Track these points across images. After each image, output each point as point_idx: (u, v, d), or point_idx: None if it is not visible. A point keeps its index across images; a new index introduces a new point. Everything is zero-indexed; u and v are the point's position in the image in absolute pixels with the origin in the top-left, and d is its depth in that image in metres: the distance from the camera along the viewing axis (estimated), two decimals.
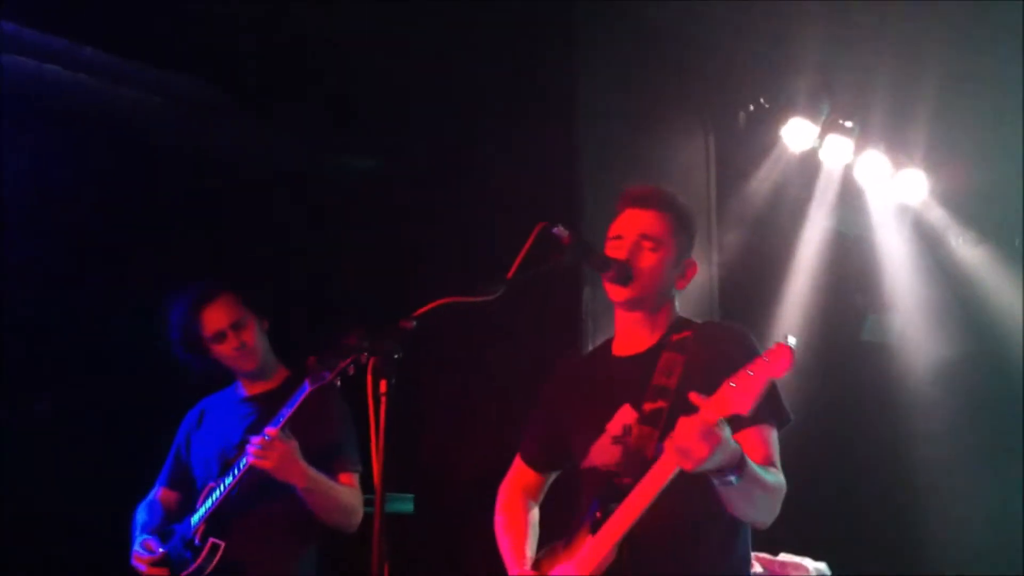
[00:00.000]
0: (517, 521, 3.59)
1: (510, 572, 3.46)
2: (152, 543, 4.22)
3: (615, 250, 3.35)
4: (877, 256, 7.18)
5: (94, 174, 5.51)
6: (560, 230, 3.21)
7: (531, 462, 3.65)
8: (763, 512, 3.18)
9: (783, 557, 5.16)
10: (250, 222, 5.84)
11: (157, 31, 5.18)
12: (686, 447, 2.87)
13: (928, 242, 7.21)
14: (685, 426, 2.88)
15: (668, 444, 2.93)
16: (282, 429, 3.96)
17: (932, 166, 6.89)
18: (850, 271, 7.15)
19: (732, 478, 2.96)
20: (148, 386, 5.33)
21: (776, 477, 3.15)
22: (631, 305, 3.38)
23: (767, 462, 3.15)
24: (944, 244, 7.29)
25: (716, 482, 2.99)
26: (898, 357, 7.26)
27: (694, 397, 2.90)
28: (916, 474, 6.76)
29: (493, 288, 3.04)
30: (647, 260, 3.35)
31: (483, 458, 5.44)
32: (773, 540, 3.79)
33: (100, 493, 5.14)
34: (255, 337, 4.36)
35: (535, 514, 3.63)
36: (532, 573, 3.34)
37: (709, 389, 3.05)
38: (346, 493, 4.20)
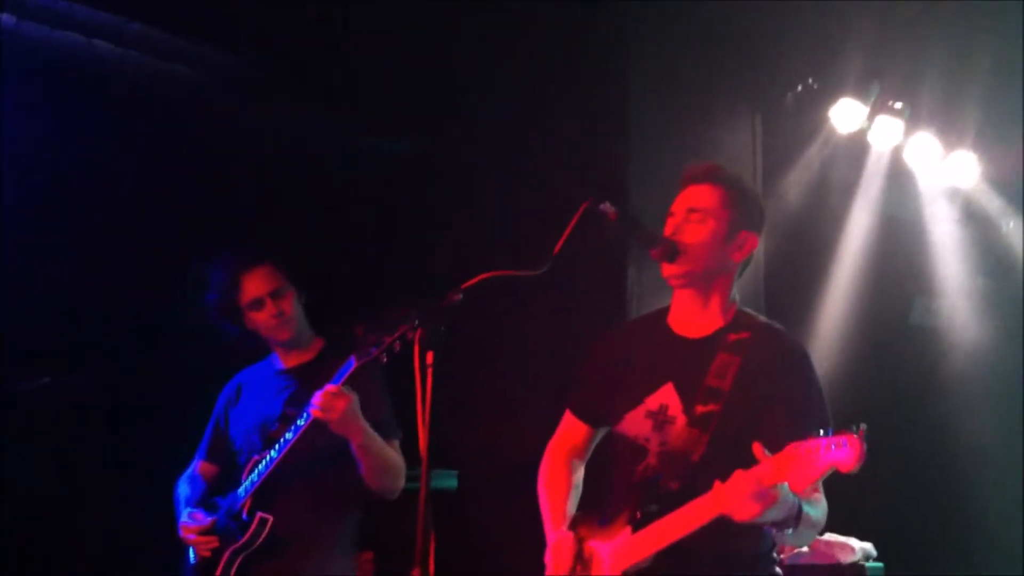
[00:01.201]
0: (560, 478, 3.57)
1: (547, 531, 3.45)
2: (199, 514, 4.26)
3: (667, 226, 3.34)
4: (926, 240, 7.10)
5: (132, 146, 5.55)
6: (607, 206, 3.20)
7: (582, 414, 3.61)
8: (807, 540, 3.20)
9: (828, 537, 5.15)
10: (292, 198, 5.87)
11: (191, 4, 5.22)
12: (739, 504, 2.87)
13: (978, 226, 7.12)
14: (740, 482, 2.87)
15: (718, 492, 2.92)
16: (343, 385, 3.98)
17: (983, 149, 6.81)
18: (898, 255, 7.08)
19: (788, 531, 2.96)
20: (187, 360, 5.39)
21: (823, 508, 3.13)
22: (682, 282, 3.36)
23: (816, 492, 3.11)
24: (994, 229, 7.19)
25: (769, 530, 3.00)
26: (944, 341, 7.19)
27: (758, 449, 2.87)
28: (962, 457, 6.71)
29: (539, 263, 3.03)
30: (694, 234, 3.32)
31: (526, 436, 5.45)
32: None
33: (138, 467, 5.22)
34: (292, 307, 4.37)
35: (580, 474, 3.60)
36: (569, 536, 3.33)
37: (761, 403, 3.06)
38: (394, 455, 4.24)
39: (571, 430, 3.64)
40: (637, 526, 3.16)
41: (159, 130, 5.58)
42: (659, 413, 3.30)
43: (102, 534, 5.27)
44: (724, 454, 3.01)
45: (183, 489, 4.47)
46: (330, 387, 3.97)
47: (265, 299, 4.32)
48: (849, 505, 3.24)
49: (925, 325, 7.50)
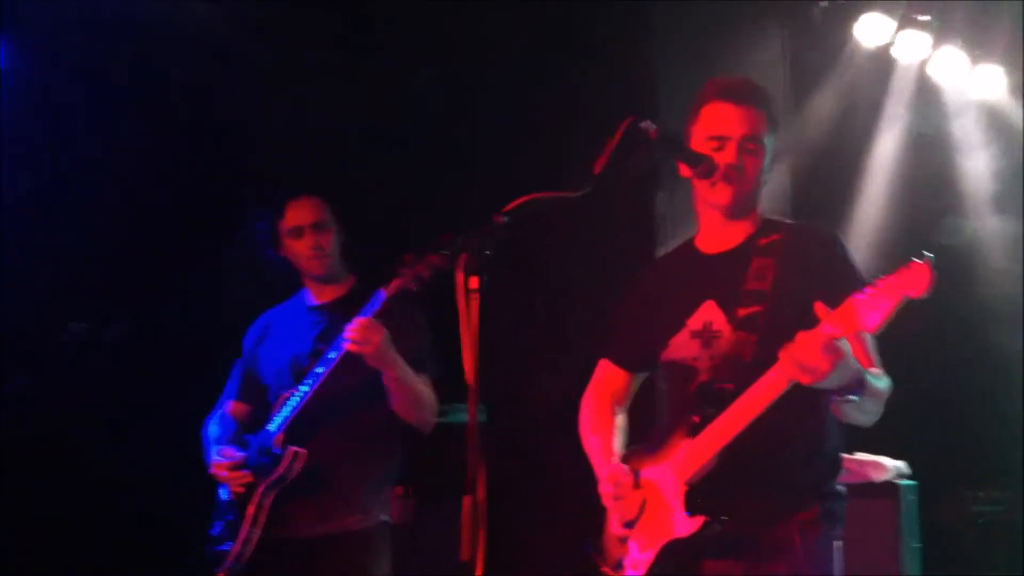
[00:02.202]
0: (604, 422, 3.54)
1: (597, 470, 3.42)
2: (229, 450, 4.24)
3: (719, 153, 3.24)
4: (954, 156, 6.98)
5: (162, 93, 5.50)
6: (647, 124, 3.11)
7: (620, 360, 3.59)
8: (872, 417, 3.13)
9: (860, 456, 5.12)
10: (329, 141, 5.79)
11: None
12: (806, 362, 2.82)
13: (1006, 140, 6.99)
14: (806, 340, 2.82)
15: (785, 356, 2.87)
16: (374, 317, 3.95)
17: (1012, 61, 6.67)
18: (926, 171, 6.96)
19: (854, 396, 2.91)
20: (215, 310, 5.36)
21: (886, 382, 3.11)
22: (732, 210, 3.31)
23: (873, 365, 3.09)
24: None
25: (836, 398, 2.94)
26: (975, 257, 7.09)
27: (819, 308, 2.82)
28: (995, 375, 6.65)
29: (581, 184, 2.96)
30: (752, 164, 3.27)
31: (555, 368, 5.44)
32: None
33: (170, 415, 5.19)
34: (331, 243, 4.37)
35: (622, 419, 3.58)
36: (623, 467, 3.30)
37: (805, 294, 2.99)
38: (427, 389, 4.23)
39: (609, 378, 3.61)
40: (696, 431, 3.12)
41: (181, 71, 5.51)
42: (704, 331, 3.27)
43: (141, 481, 5.27)
44: (776, 351, 2.95)
45: (212, 430, 4.45)
46: (361, 319, 3.93)
47: (306, 229, 4.33)
48: (882, 424, 3.19)
49: (952, 243, 7.39)
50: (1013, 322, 6.69)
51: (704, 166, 3.23)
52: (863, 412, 3.07)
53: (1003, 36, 6.50)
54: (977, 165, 6.92)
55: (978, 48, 6.60)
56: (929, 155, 6.89)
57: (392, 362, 4.04)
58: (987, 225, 7.01)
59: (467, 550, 2.59)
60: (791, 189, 6.02)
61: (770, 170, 3.37)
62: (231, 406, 4.53)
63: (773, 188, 4.19)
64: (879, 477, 5.22)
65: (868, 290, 2.78)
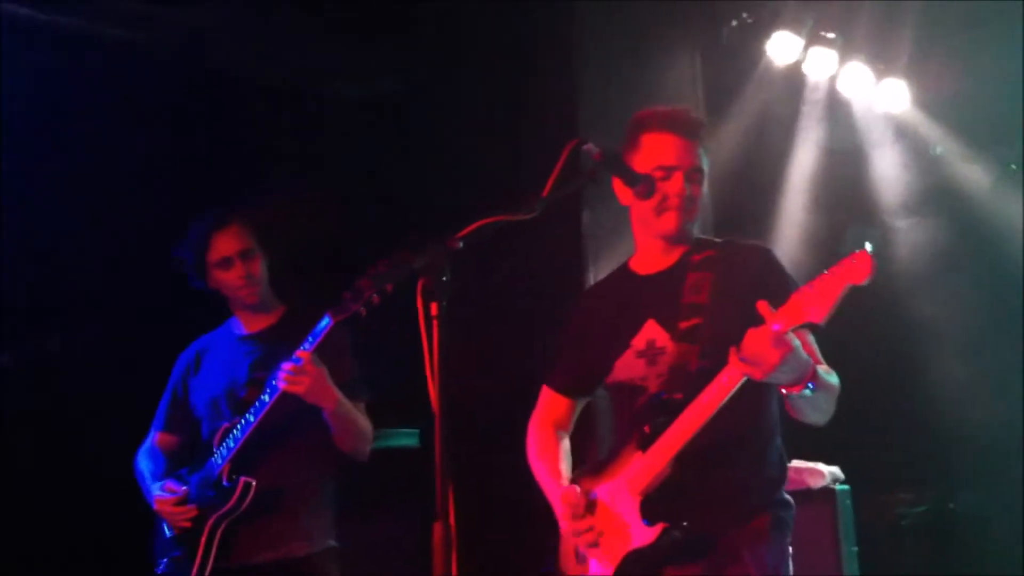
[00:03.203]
0: (550, 445, 3.62)
1: (548, 494, 3.48)
2: (172, 484, 4.20)
3: (666, 183, 3.34)
4: (864, 169, 7.17)
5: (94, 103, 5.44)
6: (591, 146, 3.18)
7: (562, 388, 3.67)
8: (825, 414, 3.22)
9: (797, 463, 5.22)
10: (261, 155, 5.78)
11: None
12: (756, 356, 2.90)
13: (913, 151, 7.20)
14: (754, 336, 2.91)
15: (735, 354, 2.94)
16: (312, 353, 3.94)
17: (915, 74, 6.88)
18: (838, 185, 7.14)
19: (807, 390, 2.99)
20: (157, 325, 5.30)
21: (836, 378, 3.19)
22: (677, 237, 3.42)
23: (821, 362, 3.18)
24: (927, 151, 7.27)
25: (790, 394, 3.01)
26: (889, 263, 7.26)
27: (762, 306, 2.91)
28: (916, 376, 6.83)
29: (531, 207, 3.00)
30: (697, 192, 3.40)
31: (487, 387, 5.46)
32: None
33: (108, 430, 5.13)
34: (260, 270, 4.35)
35: (566, 444, 3.65)
36: (575, 489, 3.35)
37: (741, 303, 3.09)
38: (363, 419, 4.25)
39: (552, 405, 3.69)
40: (647, 443, 3.19)
41: (124, 79, 5.46)
42: (648, 350, 3.36)
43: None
44: (720, 359, 3.04)
45: (144, 464, 4.41)
46: (302, 353, 3.94)
47: (234, 259, 4.29)
48: (815, 430, 3.29)
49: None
50: (927, 326, 6.89)
51: (644, 186, 3.30)
52: (817, 409, 3.17)
53: (904, 51, 6.71)
54: (888, 176, 7.12)
55: (881, 63, 6.80)
56: (842, 167, 7.06)
57: (331, 398, 4.05)
58: (898, 232, 7.21)
59: (440, 574, 2.60)
60: (711, 205, 6.12)
61: None
62: (159, 437, 4.50)
63: None
64: (817, 484, 5.32)
65: (811, 284, 2.88)
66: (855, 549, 5.33)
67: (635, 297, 3.45)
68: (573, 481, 3.44)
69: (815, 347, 3.23)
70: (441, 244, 2.79)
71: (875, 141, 7.10)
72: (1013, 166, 7.06)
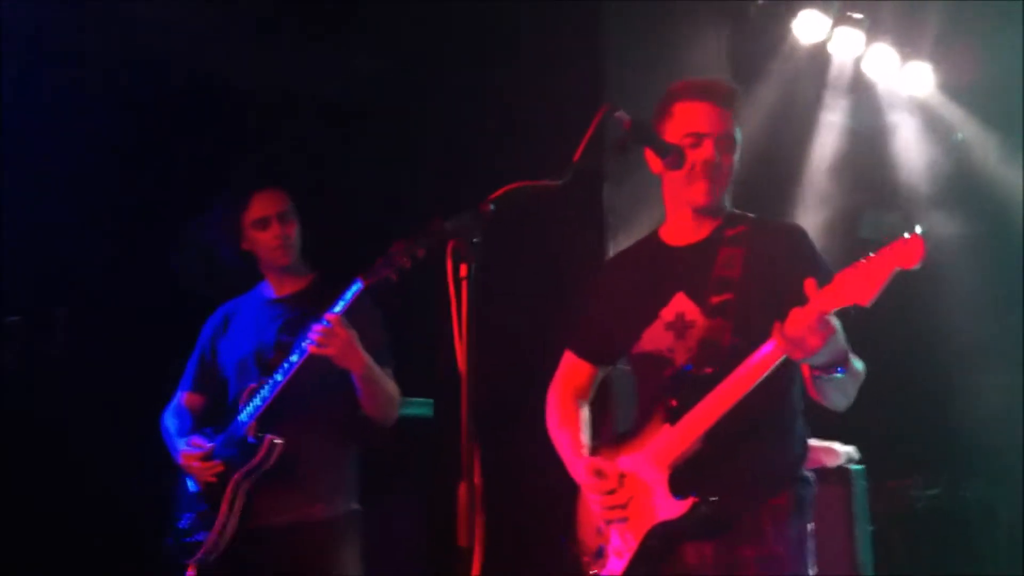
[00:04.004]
0: (571, 415, 3.60)
1: (569, 464, 3.48)
2: (199, 440, 4.23)
3: (696, 150, 3.32)
4: (886, 151, 7.14)
5: (106, 91, 5.42)
6: (622, 114, 3.17)
7: (586, 354, 3.65)
8: (848, 399, 3.22)
9: (813, 442, 5.20)
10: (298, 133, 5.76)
11: None
12: (800, 337, 2.89)
13: (936, 135, 7.17)
14: (800, 316, 2.89)
15: (777, 334, 2.93)
16: (342, 316, 3.96)
17: (939, 58, 6.85)
18: (859, 168, 7.11)
19: (839, 373, 2.99)
20: (163, 300, 5.31)
21: (861, 364, 3.18)
22: (708, 206, 3.38)
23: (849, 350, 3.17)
24: (950, 136, 7.24)
25: (821, 375, 3.02)
26: None
27: (810, 285, 2.89)
28: (937, 361, 6.83)
29: (560, 173, 2.99)
30: (728, 161, 3.37)
31: (503, 361, 5.45)
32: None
33: (116, 407, 5.15)
34: (295, 233, 4.39)
35: (587, 412, 3.63)
36: (598, 460, 3.35)
37: (773, 282, 3.12)
38: (392, 384, 4.27)
39: (573, 370, 3.66)
40: (676, 416, 3.18)
41: (132, 67, 5.45)
42: (677, 322, 3.33)
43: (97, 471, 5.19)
44: (752, 336, 3.05)
45: (171, 422, 4.45)
46: (331, 317, 3.96)
47: (272, 219, 4.34)
48: (831, 411, 3.28)
49: (874, 238, 7.54)
50: (949, 313, 6.88)
51: (674, 156, 3.28)
52: (843, 393, 3.17)
53: (930, 33, 6.68)
54: (910, 159, 7.09)
55: (907, 45, 6.77)
56: (863, 150, 7.04)
57: (359, 362, 4.06)
58: (917, 218, 7.18)
59: (464, 535, 2.60)
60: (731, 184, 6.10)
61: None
62: (186, 397, 4.52)
63: None
64: (832, 462, 5.33)
65: (857, 265, 2.85)
66: (870, 528, 5.34)
67: (665, 268, 3.42)
68: (594, 452, 3.44)
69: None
70: (473, 208, 2.78)
71: (898, 124, 7.06)
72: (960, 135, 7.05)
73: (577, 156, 3.03)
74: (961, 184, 7.12)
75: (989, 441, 6.64)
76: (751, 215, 3.47)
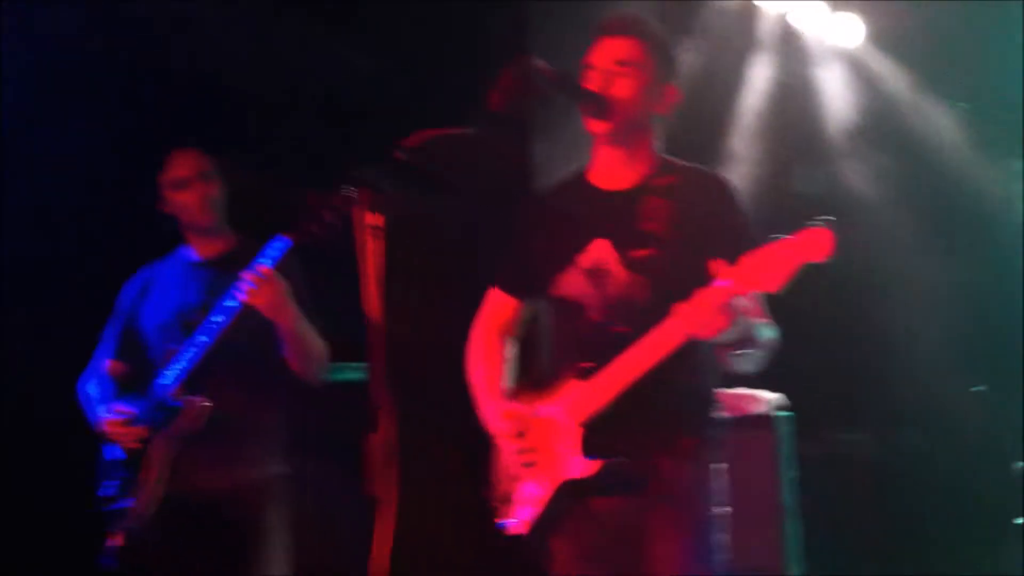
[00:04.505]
0: (492, 354, 3.52)
1: (483, 405, 3.43)
2: (122, 406, 4.17)
3: (588, 81, 3.27)
4: (815, 104, 7.15)
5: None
6: (536, 60, 3.14)
7: (509, 287, 3.54)
8: (757, 366, 3.23)
9: (739, 391, 5.26)
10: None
11: None
12: (703, 320, 2.89)
13: (865, 87, 7.18)
14: (704, 299, 2.89)
15: (683, 311, 2.93)
16: (275, 269, 3.93)
17: (868, 8, 6.85)
18: (788, 121, 7.11)
19: (747, 349, 3.04)
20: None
21: (774, 332, 3.18)
22: (611, 138, 3.31)
23: (763, 315, 3.17)
24: (882, 88, 7.24)
25: (727, 352, 3.06)
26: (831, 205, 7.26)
27: (717, 265, 2.87)
28: (865, 312, 6.88)
29: (476, 121, 2.96)
30: (623, 88, 3.26)
31: (430, 320, 5.40)
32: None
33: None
34: (217, 194, 4.33)
35: (511, 349, 3.55)
36: (511, 404, 3.33)
37: (698, 240, 3.10)
38: (320, 341, 4.23)
39: (498, 307, 3.57)
40: (588, 375, 3.16)
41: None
42: (595, 270, 3.27)
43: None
44: (670, 296, 3.01)
45: (91, 389, 4.38)
46: (262, 268, 3.91)
47: (191, 179, 4.28)
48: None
49: (807, 191, 7.51)
50: (875, 263, 6.93)
51: (593, 103, 3.24)
52: (750, 363, 3.20)
53: None
54: (839, 111, 7.10)
55: None
56: (792, 103, 7.04)
57: (290, 315, 4.04)
58: (846, 171, 7.20)
59: (376, 486, 2.58)
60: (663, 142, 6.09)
61: (659, 104, 3.36)
62: (108, 365, 4.44)
63: None
64: (757, 410, 5.35)
65: (766, 248, 2.84)
66: (794, 475, 5.37)
67: (587, 211, 3.35)
68: (514, 394, 3.40)
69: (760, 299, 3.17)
70: (383, 157, 2.74)
71: (827, 76, 7.07)
72: (962, 104, 7.07)
73: (494, 105, 2.99)
74: (888, 134, 7.12)
75: (924, 390, 6.71)
76: (684, 163, 3.39)
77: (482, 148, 3.07)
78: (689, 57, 6.45)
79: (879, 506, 6.65)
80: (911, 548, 6.50)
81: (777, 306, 3.13)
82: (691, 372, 3.22)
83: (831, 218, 2.80)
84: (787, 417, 5.50)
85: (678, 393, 3.20)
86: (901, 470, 6.79)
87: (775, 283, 2.82)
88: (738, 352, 3.06)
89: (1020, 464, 5.59)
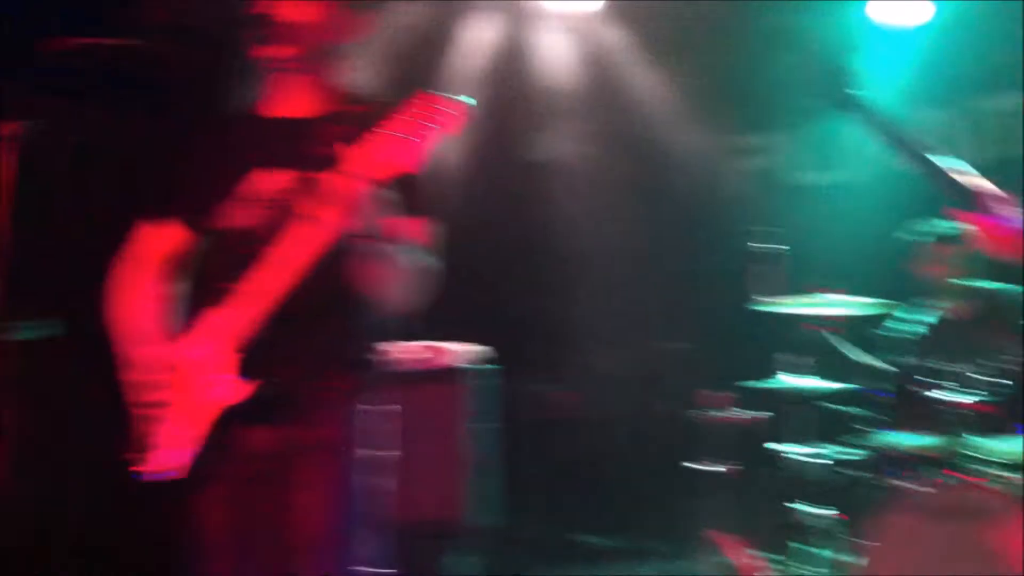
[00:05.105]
0: (142, 294, 3.26)
1: (131, 349, 3.18)
2: None
3: (258, 4, 3.16)
4: (535, 66, 7.17)
5: None
6: None
7: (168, 218, 3.30)
8: (407, 293, 3.15)
9: (431, 344, 5.25)
10: None
11: None
12: (323, 209, 2.87)
13: (585, 49, 7.24)
14: (328, 188, 2.86)
15: (305, 207, 2.90)
16: None
17: None
18: (515, 89, 7.11)
19: (386, 245, 2.98)
20: None
21: (430, 258, 3.15)
22: (282, 64, 3.20)
23: (424, 242, 3.15)
24: (614, 59, 7.31)
25: (364, 249, 2.99)
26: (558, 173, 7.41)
27: (343, 149, 2.83)
28: (582, 274, 7.13)
29: (138, 33, 2.87)
30: (294, 10, 3.15)
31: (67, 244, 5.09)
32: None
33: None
34: None
35: (170, 288, 3.29)
36: (150, 346, 3.14)
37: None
38: None
39: (157, 238, 3.31)
40: (230, 299, 3.06)
41: None
42: (264, 198, 3.15)
43: None
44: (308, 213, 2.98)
45: None
46: None
47: None
48: (450, 312, 3.25)
49: (535, 159, 7.59)
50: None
51: (257, 26, 3.16)
52: (402, 282, 3.11)
53: None
54: (558, 74, 7.17)
55: None
56: (510, 67, 7.08)
57: None
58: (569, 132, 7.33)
59: None
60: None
61: (338, 26, 3.25)
62: None
63: None
64: (450, 362, 5.33)
65: (391, 122, 2.81)
66: (495, 426, 5.38)
67: (256, 140, 3.22)
68: (166, 336, 3.18)
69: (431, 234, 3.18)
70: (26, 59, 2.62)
71: (546, 39, 7.10)
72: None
73: (144, 19, 2.92)
74: (607, 96, 7.27)
75: (626, 347, 6.96)
76: (363, 94, 3.28)
77: (143, 62, 2.94)
78: (404, 17, 6.44)
79: (582, 460, 6.89)
80: (613, 501, 6.77)
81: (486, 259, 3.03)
82: (347, 313, 3.17)
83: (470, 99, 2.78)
84: (487, 370, 5.48)
85: (332, 327, 3.14)
86: (605, 426, 7.04)
87: (412, 160, 2.80)
88: (379, 248, 2.98)
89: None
